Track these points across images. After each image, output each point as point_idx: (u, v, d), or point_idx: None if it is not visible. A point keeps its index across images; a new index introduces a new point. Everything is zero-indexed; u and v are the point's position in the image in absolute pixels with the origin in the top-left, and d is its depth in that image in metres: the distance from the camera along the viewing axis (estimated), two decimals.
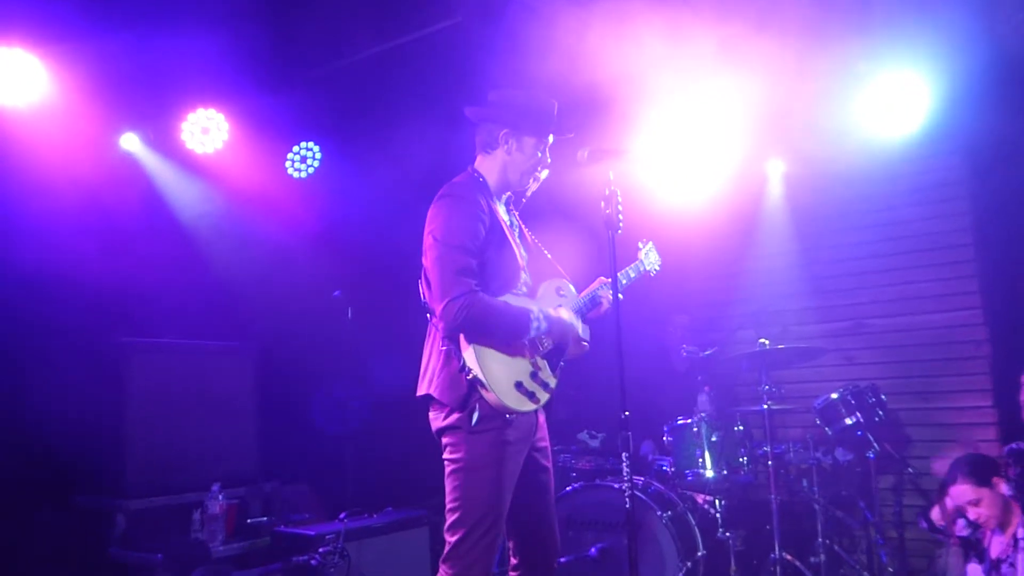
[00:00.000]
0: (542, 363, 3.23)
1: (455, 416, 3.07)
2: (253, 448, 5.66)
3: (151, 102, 5.70)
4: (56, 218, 5.01)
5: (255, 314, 5.94)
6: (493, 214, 3.25)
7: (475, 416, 3.03)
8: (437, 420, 3.15)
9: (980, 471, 4.28)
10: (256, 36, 5.32)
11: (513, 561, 3.31)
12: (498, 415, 3.04)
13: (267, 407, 5.86)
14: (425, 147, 6.05)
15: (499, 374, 3.06)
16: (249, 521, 5.17)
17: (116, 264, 5.31)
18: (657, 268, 4.01)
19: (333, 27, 5.50)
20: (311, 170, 6.56)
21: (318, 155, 6.58)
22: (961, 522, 4.43)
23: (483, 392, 3.02)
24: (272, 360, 5.99)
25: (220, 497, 4.92)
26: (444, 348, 3.12)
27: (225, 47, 5.16)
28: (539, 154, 3.37)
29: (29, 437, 4.73)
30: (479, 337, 3.05)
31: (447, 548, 3.06)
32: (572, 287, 3.51)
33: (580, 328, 3.34)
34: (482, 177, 3.36)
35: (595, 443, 6.28)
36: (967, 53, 5.20)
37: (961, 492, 4.30)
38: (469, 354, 3.05)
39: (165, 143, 5.94)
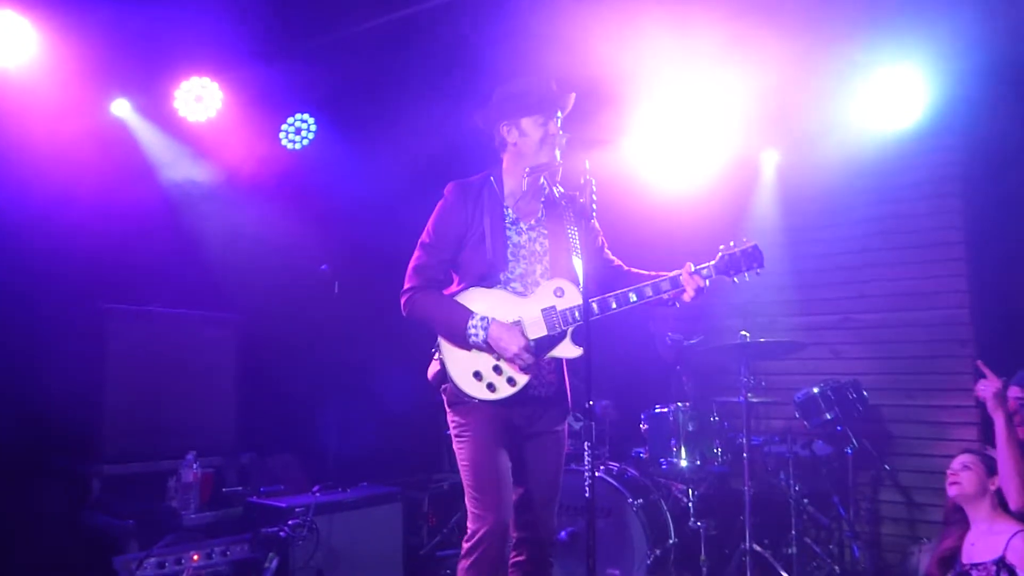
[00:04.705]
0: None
1: (442, 390, 3.39)
2: (232, 418, 5.67)
3: (144, 68, 5.63)
4: (41, 181, 4.99)
5: (241, 285, 5.89)
6: (479, 211, 3.36)
7: (449, 392, 3.35)
8: None
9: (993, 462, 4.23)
10: (253, 4, 5.28)
11: (513, 536, 3.34)
12: (463, 396, 3.27)
13: (249, 378, 5.86)
14: (423, 124, 6.02)
15: (459, 359, 3.30)
16: (224, 491, 5.19)
17: (102, 230, 5.27)
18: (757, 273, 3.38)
19: None
20: (305, 142, 6.52)
21: (313, 127, 6.52)
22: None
23: (447, 373, 3.30)
24: (257, 332, 5.97)
25: (195, 466, 4.94)
26: None
27: (221, 14, 5.13)
28: (546, 130, 3.38)
29: (6, 398, 4.76)
30: (425, 328, 3.39)
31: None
32: (575, 289, 3.30)
33: (526, 330, 3.22)
34: (494, 176, 3.47)
35: (579, 426, 6.30)
36: (966, 50, 5.13)
37: (966, 458, 4.27)
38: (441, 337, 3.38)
39: (157, 110, 5.89)
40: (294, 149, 6.51)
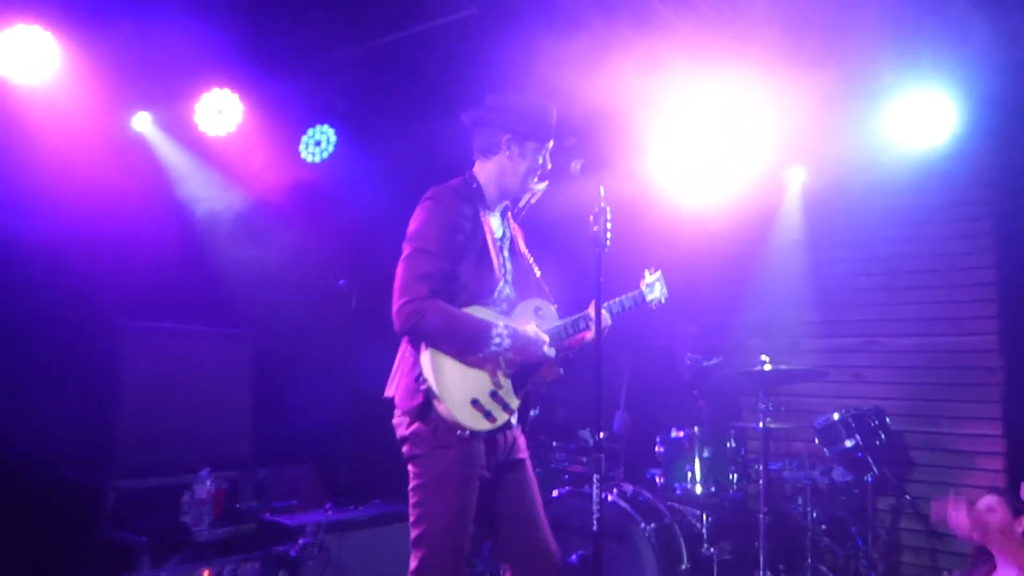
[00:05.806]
0: (504, 382, 3.12)
1: (415, 428, 3.03)
2: (248, 433, 5.68)
3: (165, 82, 5.66)
4: (61, 196, 5.02)
5: (259, 300, 5.92)
6: (478, 223, 3.20)
7: (434, 432, 2.99)
8: (400, 427, 3.11)
9: (1019, 501, 4.12)
10: (273, 18, 5.29)
11: None
12: (454, 431, 2.98)
13: (266, 393, 5.86)
14: (443, 137, 5.98)
15: (454, 387, 3.00)
16: (238, 506, 5.19)
17: (118, 245, 5.32)
18: (662, 300, 3.68)
19: (352, 11, 5.44)
20: (325, 154, 6.50)
21: (333, 139, 6.51)
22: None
23: (436, 403, 2.96)
24: (273, 347, 5.98)
25: (208, 482, 4.96)
26: (409, 353, 3.10)
27: (241, 28, 5.14)
28: (540, 160, 3.32)
29: (22, 412, 4.79)
30: (430, 343, 3.00)
31: (412, 564, 3.03)
32: (553, 308, 3.36)
33: (547, 346, 3.15)
34: (476, 183, 3.30)
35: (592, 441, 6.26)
36: (997, 74, 5.04)
37: (991, 500, 4.16)
38: (426, 361, 3.00)
39: (177, 124, 5.91)
40: (314, 162, 6.50)
